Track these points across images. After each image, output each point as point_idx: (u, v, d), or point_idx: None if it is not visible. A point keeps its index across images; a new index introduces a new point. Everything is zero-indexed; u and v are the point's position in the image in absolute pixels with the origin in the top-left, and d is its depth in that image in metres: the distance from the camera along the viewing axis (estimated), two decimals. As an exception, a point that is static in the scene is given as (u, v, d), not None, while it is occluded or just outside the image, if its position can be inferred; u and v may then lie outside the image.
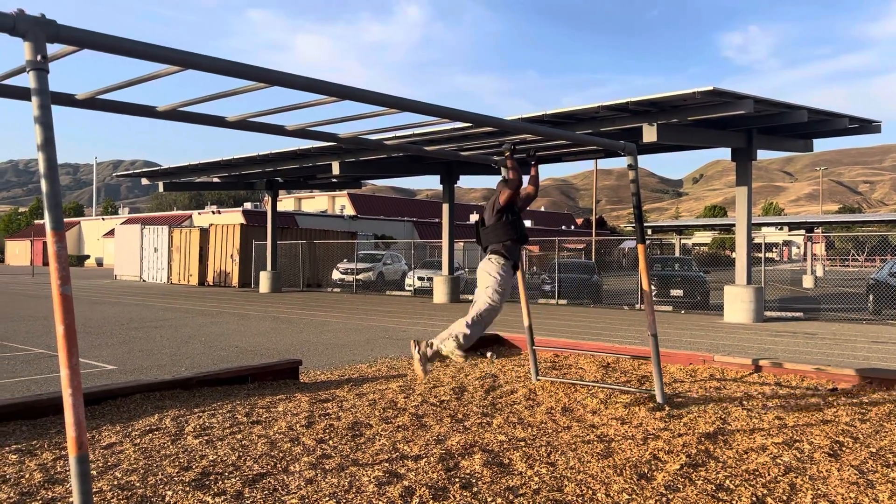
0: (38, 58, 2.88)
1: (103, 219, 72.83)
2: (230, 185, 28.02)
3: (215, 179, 26.15)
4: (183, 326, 13.74)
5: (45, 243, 60.96)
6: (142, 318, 15.28)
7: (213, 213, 57.63)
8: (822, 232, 45.14)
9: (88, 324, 13.89)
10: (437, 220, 62.21)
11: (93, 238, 69.68)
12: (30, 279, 35.25)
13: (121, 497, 3.70)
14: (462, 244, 35.21)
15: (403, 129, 5.97)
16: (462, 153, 8.02)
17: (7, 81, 3.85)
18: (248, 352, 10.30)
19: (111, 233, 54.17)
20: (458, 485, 3.93)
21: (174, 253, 32.27)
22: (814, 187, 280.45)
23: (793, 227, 50.36)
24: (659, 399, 6.09)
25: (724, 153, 16.51)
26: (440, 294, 21.89)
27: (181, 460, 4.35)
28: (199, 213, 60.42)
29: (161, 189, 25.98)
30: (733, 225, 18.42)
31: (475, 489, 3.87)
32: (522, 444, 4.80)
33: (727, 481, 4.05)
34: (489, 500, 3.72)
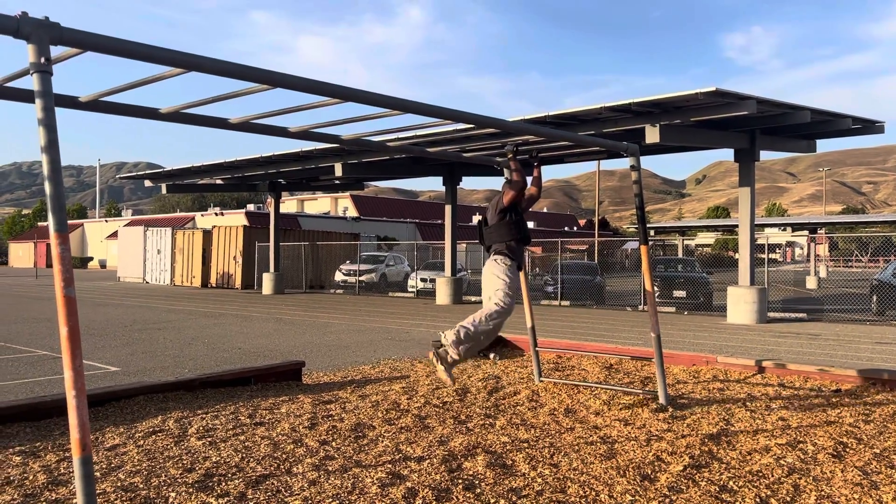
0: (42, 60, 2.89)
1: (106, 221, 72.96)
2: (233, 186, 28.05)
3: (218, 181, 26.18)
4: (186, 328, 13.75)
5: (48, 245, 61.12)
6: (145, 320, 15.30)
7: (216, 214, 57.73)
8: (826, 233, 45.07)
9: (92, 325, 13.92)
10: (439, 221, 62.28)
11: (96, 240, 69.82)
12: (33, 281, 35.33)
13: (124, 498, 3.70)
14: (464, 245, 35.23)
15: (406, 130, 5.98)
16: (464, 154, 8.03)
17: (11, 84, 3.86)
18: (251, 353, 10.31)
19: (114, 235, 54.29)
20: (461, 486, 3.93)
21: (177, 255, 32.31)
22: (817, 188, 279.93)
23: (796, 227, 50.28)
24: (662, 400, 6.08)
25: (727, 154, 16.46)
26: (443, 295, 21.89)
27: (184, 462, 4.35)
28: (203, 215, 60.53)
29: (164, 191, 26.02)
30: (736, 226, 18.39)
31: (478, 490, 3.87)
32: (525, 445, 4.80)
33: (731, 482, 4.04)
34: (492, 501, 3.72)
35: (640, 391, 6.54)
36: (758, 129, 15.33)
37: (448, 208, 22.44)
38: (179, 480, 3.99)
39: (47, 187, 2.89)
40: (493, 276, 5.90)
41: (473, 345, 5.57)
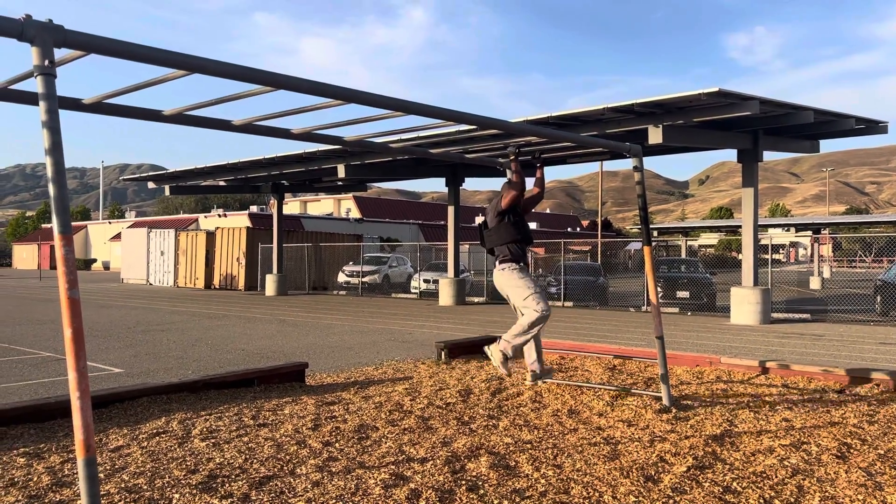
0: (46, 63, 2.90)
1: (110, 222, 73.14)
2: (236, 188, 28.09)
3: (221, 183, 26.22)
4: (189, 330, 13.77)
5: (52, 247, 61.24)
6: (148, 322, 15.33)
7: (220, 216, 57.81)
8: (829, 233, 44.98)
9: (95, 327, 13.94)
10: (442, 222, 62.28)
11: (99, 242, 69.97)
12: (37, 283, 35.41)
13: (128, 500, 3.71)
14: (467, 246, 35.20)
15: (408, 132, 5.99)
16: (467, 156, 8.03)
17: (14, 86, 3.87)
18: (254, 355, 10.32)
19: (118, 236, 54.43)
20: (464, 487, 3.93)
21: (180, 256, 32.36)
22: (820, 188, 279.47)
23: (799, 228, 50.20)
24: (665, 401, 6.08)
25: (730, 154, 16.45)
26: (446, 296, 21.89)
27: (188, 463, 4.36)
28: (206, 217, 60.63)
29: (167, 193, 26.04)
30: (739, 226, 18.39)
31: (482, 491, 3.87)
32: (529, 446, 4.80)
33: (734, 483, 4.03)
34: (496, 502, 3.72)
35: (644, 392, 6.54)
36: (761, 129, 15.31)
37: (451, 209, 22.44)
38: (183, 482, 4.00)
39: (51, 189, 2.90)
40: (512, 286, 6.04)
41: (518, 342, 6.07)
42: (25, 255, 71.11)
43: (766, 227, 44.49)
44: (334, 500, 3.73)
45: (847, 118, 14.86)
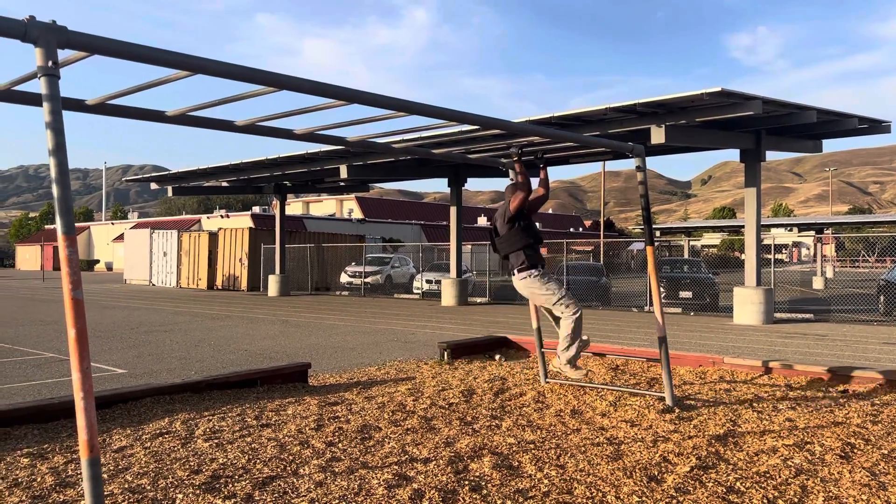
0: (50, 63, 2.91)
1: (113, 223, 73.23)
2: (239, 189, 28.12)
3: (224, 184, 26.24)
4: (192, 330, 13.79)
5: (55, 248, 61.35)
6: (151, 322, 15.35)
7: (222, 217, 57.86)
8: (832, 233, 44.90)
9: (98, 328, 13.96)
10: (444, 222, 62.31)
11: (102, 243, 70.07)
12: (40, 283, 35.47)
13: (132, 500, 3.72)
14: (470, 247, 35.19)
15: (411, 132, 5.99)
16: (470, 156, 8.02)
17: (18, 87, 3.88)
18: (257, 355, 10.33)
19: (121, 237, 54.49)
20: (467, 487, 3.93)
21: (183, 257, 32.40)
22: (823, 188, 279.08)
23: (802, 228, 50.11)
24: (668, 401, 6.07)
25: (732, 154, 16.44)
26: (448, 297, 21.89)
27: (191, 463, 4.37)
28: (208, 218, 60.68)
29: (170, 193, 26.08)
30: (742, 226, 18.34)
31: (485, 492, 3.87)
32: (532, 446, 4.80)
33: (738, 483, 4.03)
34: (499, 502, 3.72)
35: (647, 392, 6.53)
36: (764, 129, 15.29)
37: (453, 210, 22.44)
38: (186, 482, 4.00)
39: (55, 190, 2.91)
40: (538, 294, 6.16)
41: (571, 347, 6.21)
42: (28, 256, 71.23)
43: (769, 226, 44.43)
44: (337, 501, 3.73)
45: (850, 118, 14.84)
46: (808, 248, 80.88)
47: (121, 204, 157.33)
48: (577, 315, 6.17)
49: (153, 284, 34.27)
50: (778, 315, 16.72)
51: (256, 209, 62.51)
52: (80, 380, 2.85)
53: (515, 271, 6.22)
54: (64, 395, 6.62)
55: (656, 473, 4.20)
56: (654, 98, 12.91)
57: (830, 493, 3.88)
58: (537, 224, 6.68)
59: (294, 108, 4.78)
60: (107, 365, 9.34)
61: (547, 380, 7.13)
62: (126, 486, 3.94)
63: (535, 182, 6.92)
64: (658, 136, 13.60)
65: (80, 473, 4.02)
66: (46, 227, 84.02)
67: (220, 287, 30.62)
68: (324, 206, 73.27)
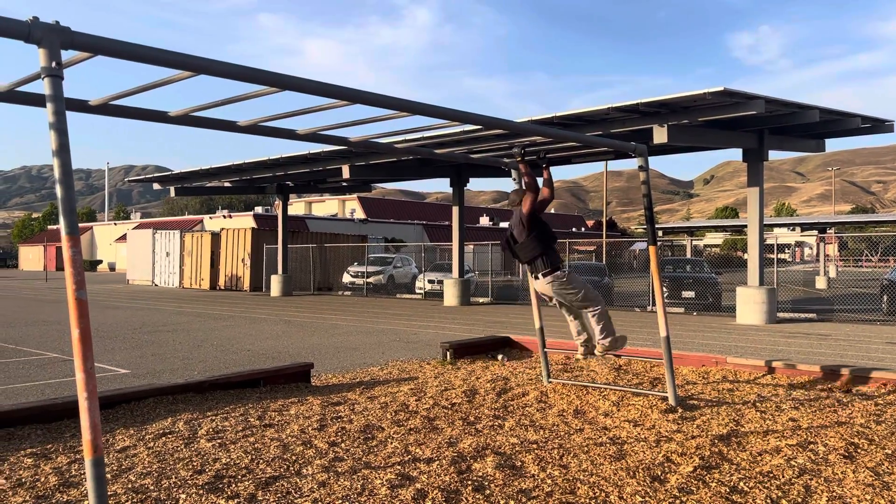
0: (53, 64, 2.91)
1: (115, 224, 73.32)
2: (241, 189, 28.14)
3: (226, 184, 26.27)
4: (195, 330, 13.80)
5: (58, 248, 61.46)
6: (154, 323, 15.37)
7: (225, 217, 57.91)
8: (835, 232, 44.81)
9: (101, 328, 13.98)
10: (446, 222, 62.27)
11: (105, 243, 70.16)
12: (43, 284, 35.53)
13: (135, 500, 3.72)
14: (472, 247, 35.18)
15: (413, 132, 5.99)
16: (472, 156, 8.03)
17: (21, 88, 3.89)
18: (259, 355, 10.34)
19: (123, 238, 54.58)
20: (470, 487, 3.93)
21: (186, 257, 32.43)
22: (826, 187, 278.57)
23: (805, 227, 50.03)
24: (671, 401, 6.07)
25: (735, 154, 16.41)
26: (450, 297, 21.89)
27: (194, 463, 4.37)
28: (211, 218, 60.73)
29: (173, 194, 26.12)
30: (745, 226, 18.32)
31: (488, 492, 3.87)
32: (535, 446, 4.79)
33: (741, 483, 4.02)
34: (502, 502, 3.72)
35: (650, 392, 6.53)
36: (766, 128, 15.26)
37: (455, 210, 22.44)
38: (190, 482, 4.01)
39: (58, 190, 2.91)
40: (564, 294, 6.34)
41: (610, 332, 6.54)
42: (31, 257, 71.34)
43: (772, 226, 44.33)
44: (340, 501, 3.73)
45: (853, 117, 14.81)
46: (811, 248, 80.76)
47: (123, 204, 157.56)
48: (602, 305, 6.56)
49: (156, 285, 34.31)
50: (781, 315, 16.69)
51: (259, 209, 62.59)
52: (84, 380, 2.85)
53: (540, 275, 6.29)
54: (67, 395, 6.63)
55: (659, 473, 4.19)
56: (656, 98, 12.90)
57: (834, 493, 3.87)
58: None
59: (297, 109, 4.78)
60: (110, 365, 9.35)
61: (550, 380, 7.13)
62: (129, 486, 3.95)
63: (538, 182, 6.91)
64: (660, 135, 13.59)
65: (84, 473, 4.02)
66: (49, 227, 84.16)
67: (222, 287, 30.65)
68: (326, 206, 73.31)
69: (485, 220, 72.78)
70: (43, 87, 2.95)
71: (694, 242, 53.56)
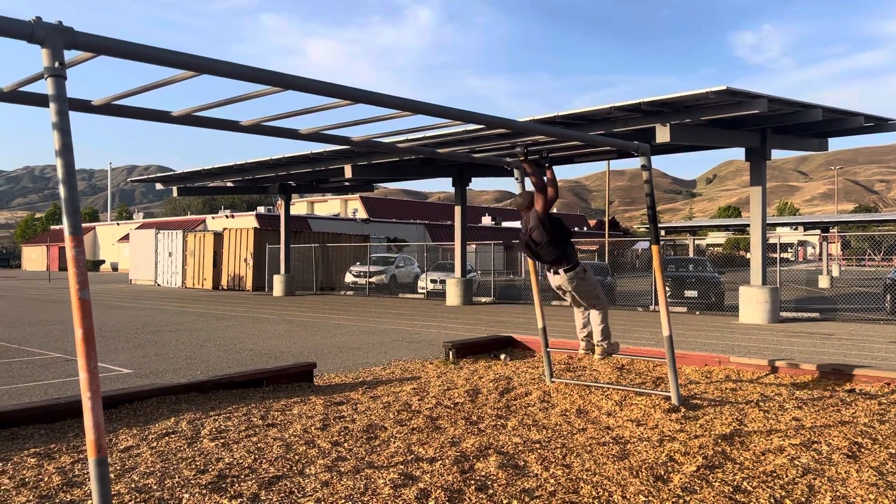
0: (56, 64, 2.91)
1: (118, 224, 73.42)
2: (243, 189, 28.15)
3: (229, 184, 26.29)
4: (198, 330, 13.82)
5: (61, 248, 61.55)
6: (157, 322, 15.38)
7: (227, 217, 57.96)
8: (838, 232, 44.74)
9: (104, 328, 14.00)
10: (449, 222, 62.27)
11: (108, 243, 70.26)
12: (46, 284, 35.58)
13: (138, 500, 3.73)
14: (474, 246, 35.19)
15: (416, 131, 5.99)
16: (474, 155, 8.03)
17: (24, 88, 3.89)
18: (262, 355, 10.34)
19: (126, 238, 54.63)
20: (473, 487, 3.93)
21: (188, 257, 32.46)
22: (829, 187, 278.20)
23: (808, 227, 49.98)
24: (674, 400, 6.06)
25: (737, 153, 16.37)
26: (453, 296, 21.88)
27: (198, 463, 4.37)
28: (213, 218, 60.79)
29: (175, 194, 26.14)
30: (747, 225, 18.27)
31: (491, 491, 3.87)
32: (537, 445, 4.79)
33: (744, 483, 4.02)
34: (505, 502, 3.71)
35: (653, 391, 6.52)
36: (769, 127, 15.24)
37: (458, 209, 22.43)
38: (193, 482, 4.01)
39: (62, 191, 2.91)
40: (582, 289, 6.45)
41: (607, 336, 6.69)
42: (34, 257, 71.45)
43: (775, 225, 44.29)
44: (344, 500, 3.73)
45: (855, 116, 14.78)
46: (814, 247, 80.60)
47: (126, 204, 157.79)
48: (608, 307, 6.79)
49: (158, 285, 34.34)
50: (784, 314, 16.67)
51: (261, 209, 62.66)
52: (88, 380, 2.86)
53: (562, 271, 6.33)
54: (71, 395, 6.64)
55: (662, 473, 4.19)
56: (658, 97, 12.88)
57: (838, 493, 3.87)
58: None
59: (299, 108, 4.78)
60: (113, 365, 9.36)
61: (552, 379, 7.13)
62: (133, 485, 3.95)
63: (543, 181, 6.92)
64: (663, 134, 13.58)
65: (87, 473, 4.03)
66: (52, 227, 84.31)
67: (224, 287, 30.68)
68: (328, 205, 73.34)
69: (487, 220, 72.74)
70: (46, 87, 2.95)
71: (696, 242, 53.51)
